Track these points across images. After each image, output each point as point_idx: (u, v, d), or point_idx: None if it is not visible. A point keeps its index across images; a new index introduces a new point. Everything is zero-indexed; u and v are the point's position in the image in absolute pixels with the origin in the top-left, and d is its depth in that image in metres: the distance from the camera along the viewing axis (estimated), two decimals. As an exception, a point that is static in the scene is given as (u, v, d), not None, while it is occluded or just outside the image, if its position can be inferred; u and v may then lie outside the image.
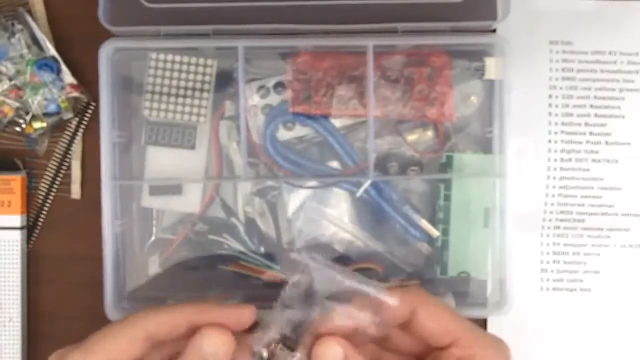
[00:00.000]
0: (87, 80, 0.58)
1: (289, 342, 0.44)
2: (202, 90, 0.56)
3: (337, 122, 0.57)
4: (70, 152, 0.59)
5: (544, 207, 0.59)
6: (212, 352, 0.43)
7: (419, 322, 0.44)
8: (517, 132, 0.57)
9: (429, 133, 0.57)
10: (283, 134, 0.57)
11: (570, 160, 0.59)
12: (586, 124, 0.59)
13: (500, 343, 0.46)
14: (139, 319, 0.44)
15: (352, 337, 0.44)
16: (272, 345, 0.44)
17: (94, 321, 0.56)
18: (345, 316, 0.44)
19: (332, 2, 0.55)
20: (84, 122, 0.59)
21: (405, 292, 0.45)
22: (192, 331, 0.44)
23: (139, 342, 0.44)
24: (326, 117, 0.56)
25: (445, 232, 0.57)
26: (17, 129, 0.58)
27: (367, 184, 0.56)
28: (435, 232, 0.57)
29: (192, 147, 0.57)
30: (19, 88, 0.57)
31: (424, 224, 0.57)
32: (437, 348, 0.45)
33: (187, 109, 0.56)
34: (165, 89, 0.56)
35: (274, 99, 0.57)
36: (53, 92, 0.57)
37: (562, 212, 0.59)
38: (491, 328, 0.59)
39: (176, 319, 0.44)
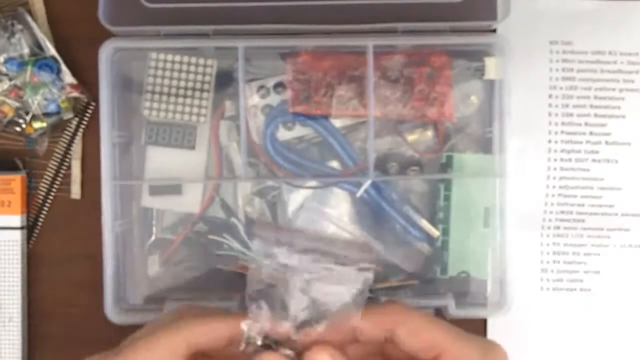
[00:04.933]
0: (87, 80, 0.58)
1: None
2: (202, 90, 0.56)
3: (337, 122, 0.57)
4: (70, 152, 0.59)
5: (544, 207, 0.59)
6: None
7: (399, 340, 0.43)
8: (517, 132, 0.57)
9: (429, 133, 0.57)
10: (283, 134, 0.57)
11: (570, 160, 0.59)
12: (586, 124, 0.59)
13: (493, 348, 0.44)
14: (181, 328, 0.43)
15: (347, 347, 0.44)
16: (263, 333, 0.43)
17: (94, 321, 0.57)
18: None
19: (332, 2, 0.55)
20: (84, 122, 0.59)
21: (381, 314, 0.44)
22: (232, 342, 0.43)
23: (180, 353, 0.43)
24: (326, 117, 0.56)
25: (445, 232, 0.57)
26: (17, 129, 0.58)
27: (367, 184, 0.56)
28: (435, 232, 0.57)
29: (192, 147, 0.57)
30: (19, 88, 0.57)
31: (424, 224, 0.57)
32: None
33: (187, 109, 0.56)
34: (165, 89, 0.56)
35: (274, 99, 0.57)
36: (53, 92, 0.57)
37: (562, 212, 0.59)
38: (491, 328, 0.59)
39: (219, 331, 0.43)
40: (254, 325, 0.43)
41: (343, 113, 0.56)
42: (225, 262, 0.57)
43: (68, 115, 0.58)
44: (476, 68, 0.56)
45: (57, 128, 0.59)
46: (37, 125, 0.57)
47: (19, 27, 0.57)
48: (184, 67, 0.56)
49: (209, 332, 0.44)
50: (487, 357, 0.43)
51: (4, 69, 0.56)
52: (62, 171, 0.60)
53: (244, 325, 0.43)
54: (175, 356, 0.43)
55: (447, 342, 0.43)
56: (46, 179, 0.60)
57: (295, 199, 0.57)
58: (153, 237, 0.58)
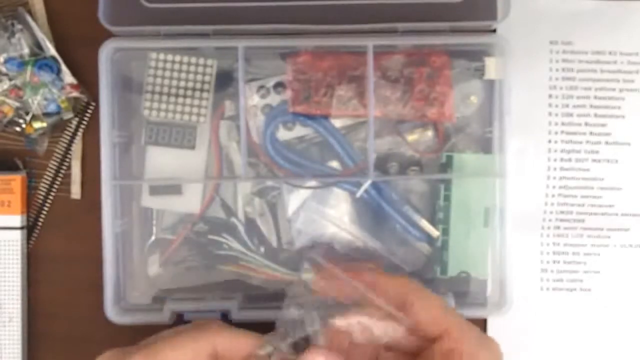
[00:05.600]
0: (87, 80, 0.58)
1: (299, 348, 0.45)
2: (202, 90, 0.56)
3: (337, 122, 0.57)
4: (70, 152, 0.59)
5: (544, 207, 0.59)
6: None
7: (412, 310, 0.46)
8: (517, 132, 0.57)
9: (429, 133, 0.57)
10: (283, 134, 0.57)
11: (570, 160, 0.59)
12: (586, 124, 0.59)
13: (491, 342, 0.47)
14: (208, 334, 0.45)
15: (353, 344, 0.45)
16: (285, 344, 0.45)
17: (94, 321, 0.57)
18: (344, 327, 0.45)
19: (332, 2, 0.55)
20: (84, 122, 0.59)
21: (400, 281, 0.48)
22: (251, 356, 0.45)
23: (203, 357, 0.44)
24: (326, 117, 0.56)
25: (445, 232, 0.57)
26: (17, 129, 0.58)
27: (367, 184, 0.56)
28: (435, 232, 0.57)
29: (192, 147, 0.57)
30: (19, 88, 0.57)
31: (424, 224, 0.57)
32: (429, 339, 0.46)
33: (187, 109, 0.56)
34: (165, 89, 0.56)
35: (274, 99, 0.57)
36: (53, 92, 0.57)
37: (562, 212, 0.59)
38: (491, 328, 0.59)
39: (245, 343, 0.45)
40: (281, 344, 0.44)
41: (343, 113, 0.56)
42: (225, 262, 0.57)
43: (68, 115, 0.58)
44: (476, 68, 0.56)
45: (57, 128, 0.59)
46: (37, 125, 0.58)
47: (19, 27, 0.57)
48: (184, 67, 0.56)
49: (234, 342, 0.45)
50: (483, 346, 0.47)
51: (4, 69, 0.56)
52: (62, 171, 0.60)
53: (270, 340, 0.45)
54: (198, 357, 0.44)
55: (454, 324, 0.46)
56: (46, 179, 0.60)
57: (295, 199, 0.57)
58: (153, 237, 0.58)
